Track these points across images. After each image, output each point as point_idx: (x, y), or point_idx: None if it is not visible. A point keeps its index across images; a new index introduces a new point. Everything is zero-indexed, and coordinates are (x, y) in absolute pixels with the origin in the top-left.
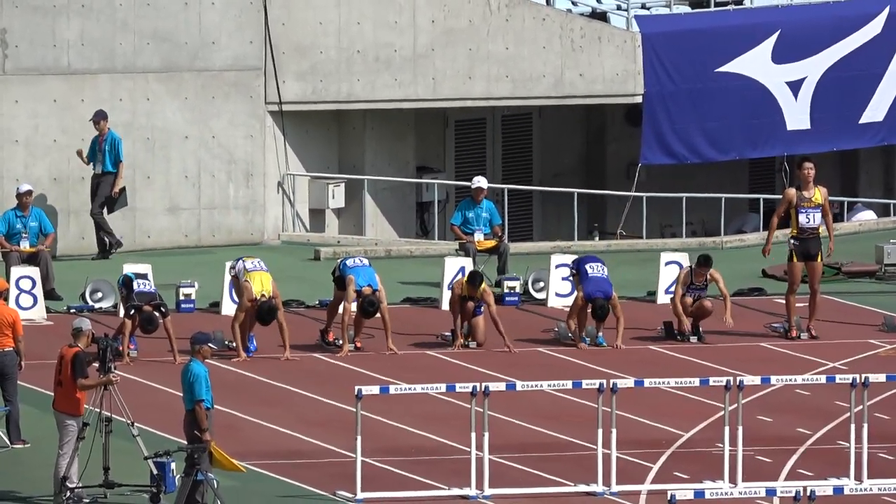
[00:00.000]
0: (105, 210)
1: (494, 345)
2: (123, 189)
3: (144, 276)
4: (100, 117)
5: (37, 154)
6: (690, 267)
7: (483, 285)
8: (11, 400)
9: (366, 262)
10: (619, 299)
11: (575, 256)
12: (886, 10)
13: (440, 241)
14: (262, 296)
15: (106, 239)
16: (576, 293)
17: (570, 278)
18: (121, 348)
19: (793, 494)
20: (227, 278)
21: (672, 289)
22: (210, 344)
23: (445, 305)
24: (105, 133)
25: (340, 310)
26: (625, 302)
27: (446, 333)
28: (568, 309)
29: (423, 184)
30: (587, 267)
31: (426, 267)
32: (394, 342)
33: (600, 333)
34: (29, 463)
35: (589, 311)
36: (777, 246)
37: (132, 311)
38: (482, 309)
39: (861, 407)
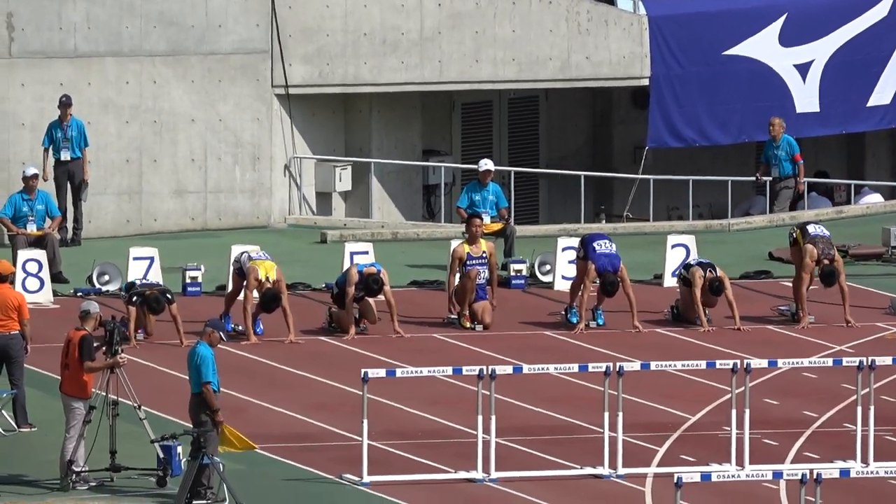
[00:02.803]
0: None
1: (501, 328)
2: (87, 183)
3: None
4: (70, 101)
5: (43, 137)
6: (705, 276)
7: (485, 242)
8: (18, 383)
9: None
10: (630, 286)
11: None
12: None
13: (447, 224)
14: (266, 279)
15: (74, 227)
16: (588, 266)
17: (576, 261)
18: (127, 333)
19: (799, 477)
20: (231, 270)
21: (677, 272)
22: (221, 333)
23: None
24: (68, 119)
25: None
26: (632, 285)
27: (452, 316)
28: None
29: (429, 167)
30: (595, 244)
31: (432, 250)
32: (400, 325)
33: (599, 309)
34: (35, 446)
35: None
36: (783, 229)
37: (135, 299)
38: (486, 293)
39: (867, 390)
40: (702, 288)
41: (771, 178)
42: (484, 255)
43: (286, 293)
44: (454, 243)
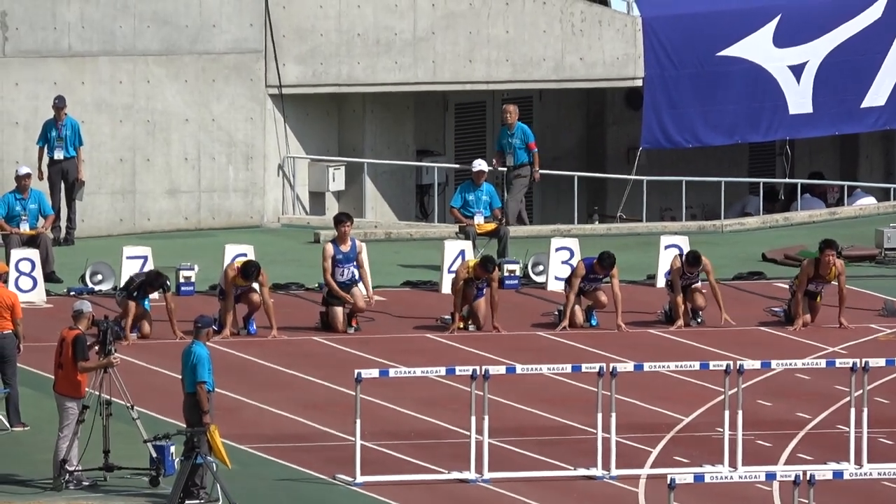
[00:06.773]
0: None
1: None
2: (83, 182)
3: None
4: (63, 103)
5: (36, 137)
6: (680, 255)
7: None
8: (11, 383)
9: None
10: (619, 284)
11: (575, 241)
12: None
13: (440, 224)
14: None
15: (67, 227)
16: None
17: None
18: (125, 328)
19: (792, 478)
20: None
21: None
22: (213, 327)
23: (446, 289)
24: (63, 119)
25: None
26: (624, 286)
27: (446, 317)
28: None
29: (422, 167)
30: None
31: (426, 250)
32: (392, 323)
33: (594, 312)
34: (29, 446)
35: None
36: (776, 231)
37: (135, 293)
38: (484, 291)
39: (861, 391)
40: (681, 265)
41: (506, 168)
42: (485, 281)
43: (268, 286)
44: (447, 244)
